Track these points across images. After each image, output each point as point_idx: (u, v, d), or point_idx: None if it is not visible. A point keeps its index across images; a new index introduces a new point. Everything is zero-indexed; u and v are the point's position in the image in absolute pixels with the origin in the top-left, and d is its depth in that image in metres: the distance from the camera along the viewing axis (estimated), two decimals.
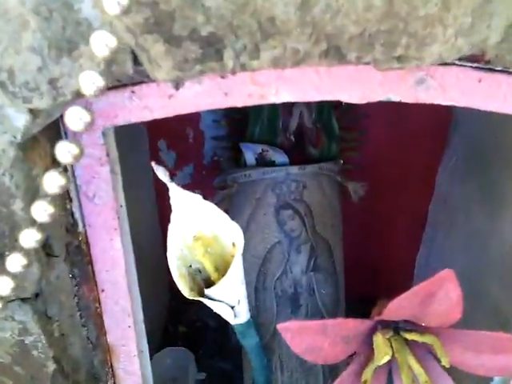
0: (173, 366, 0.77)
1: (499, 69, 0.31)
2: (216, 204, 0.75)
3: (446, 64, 0.31)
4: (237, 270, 0.34)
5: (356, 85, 0.32)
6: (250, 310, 0.73)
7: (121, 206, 0.38)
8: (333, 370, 0.71)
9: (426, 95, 0.32)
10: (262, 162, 0.72)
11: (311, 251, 0.72)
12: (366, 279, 0.91)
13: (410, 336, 0.37)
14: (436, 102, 0.32)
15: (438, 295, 0.33)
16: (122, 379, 0.43)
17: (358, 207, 0.83)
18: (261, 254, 0.72)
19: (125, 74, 0.27)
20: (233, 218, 0.78)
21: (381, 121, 0.85)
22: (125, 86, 0.32)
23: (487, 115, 0.76)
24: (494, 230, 0.69)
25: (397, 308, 0.34)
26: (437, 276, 0.32)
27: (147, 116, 0.33)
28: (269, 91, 0.32)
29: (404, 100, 0.32)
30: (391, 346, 0.38)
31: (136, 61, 0.28)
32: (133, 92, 0.32)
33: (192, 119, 0.87)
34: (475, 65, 0.31)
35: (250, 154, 0.71)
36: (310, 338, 0.35)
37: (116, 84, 0.31)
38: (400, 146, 0.87)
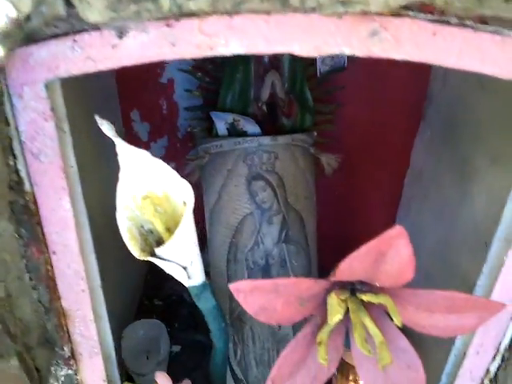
0: (145, 337, 0.77)
1: (455, 22, 0.30)
2: (187, 175, 0.75)
3: (399, 15, 0.30)
4: (187, 229, 0.33)
5: (307, 36, 0.31)
6: (221, 282, 0.73)
7: (71, 167, 0.37)
8: None
9: (380, 49, 0.31)
10: (234, 132, 0.71)
11: (283, 223, 0.71)
12: (341, 253, 0.91)
13: (365, 297, 0.37)
14: (390, 55, 0.31)
15: (388, 254, 0.33)
16: (78, 344, 0.42)
17: (333, 181, 0.83)
18: (232, 226, 0.71)
19: (57, 17, 0.26)
20: (205, 190, 0.77)
21: (356, 93, 0.84)
22: (66, 34, 0.30)
23: (461, 87, 0.76)
24: (465, 202, 0.70)
25: (348, 268, 0.34)
26: (386, 234, 0.31)
27: (91, 67, 0.31)
28: (218, 42, 0.31)
29: (357, 53, 0.31)
30: (347, 308, 0.38)
31: (70, 3, 0.26)
32: (75, 41, 0.30)
33: (166, 90, 0.85)
34: (429, 17, 0.30)
35: (221, 123, 0.70)
36: (262, 298, 0.35)
37: (56, 32, 0.30)
38: (376, 119, 0.86)
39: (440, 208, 0.78)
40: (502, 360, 0.45)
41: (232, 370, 0.71)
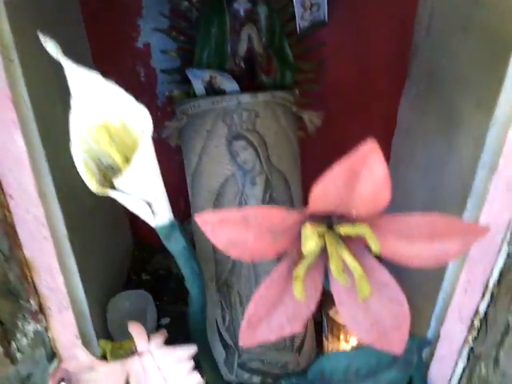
0: (131, 309, 0.75)
1: None
2: (165, 139, 0.72)
3: None
4: (146, 157, 0.31)
5: None
6: (206, 248, 0.70)
7: (23, 100, 0.34)
8: None
9: None
10: (212, 91, 0.68)
11: (266, 183, 0.69)
12: None
13: (342, 229, 0.35)
14: None
15: (362, 174, 0.31)
16: (46, 297, 0.40)
17: (318, 142, 0.81)
18: (214, 189, 0.69)
19: None
20: (185, 154, 0.75)
21: (340, 50, 0.82)
22: None
23: (444, 33, 0.73)
24: (452, 153, 0.68)
25: (322, 194, 0.32)
26: (358, 150, 0.29)
27: None
28: None
29: None
30: (325, 244, 0.36)
31: None
32: None
33: (142, 55, 0.82)
34: None
35: (198, 82, 0.67)
36: (231, 230, 0.33)
37: None
38: (361, 78, 0.84)
39: (427, 164, 0.76)
40: (491, 297, 0.43)
41: (220, 335, 0.70)
